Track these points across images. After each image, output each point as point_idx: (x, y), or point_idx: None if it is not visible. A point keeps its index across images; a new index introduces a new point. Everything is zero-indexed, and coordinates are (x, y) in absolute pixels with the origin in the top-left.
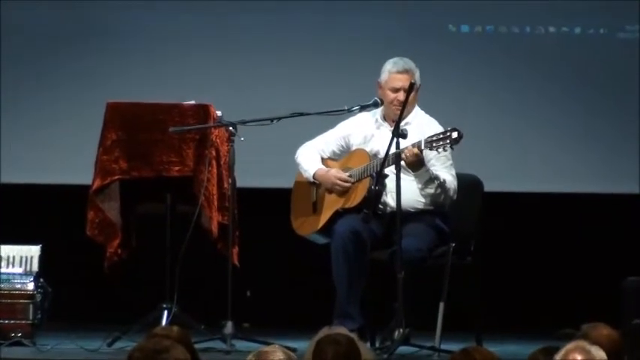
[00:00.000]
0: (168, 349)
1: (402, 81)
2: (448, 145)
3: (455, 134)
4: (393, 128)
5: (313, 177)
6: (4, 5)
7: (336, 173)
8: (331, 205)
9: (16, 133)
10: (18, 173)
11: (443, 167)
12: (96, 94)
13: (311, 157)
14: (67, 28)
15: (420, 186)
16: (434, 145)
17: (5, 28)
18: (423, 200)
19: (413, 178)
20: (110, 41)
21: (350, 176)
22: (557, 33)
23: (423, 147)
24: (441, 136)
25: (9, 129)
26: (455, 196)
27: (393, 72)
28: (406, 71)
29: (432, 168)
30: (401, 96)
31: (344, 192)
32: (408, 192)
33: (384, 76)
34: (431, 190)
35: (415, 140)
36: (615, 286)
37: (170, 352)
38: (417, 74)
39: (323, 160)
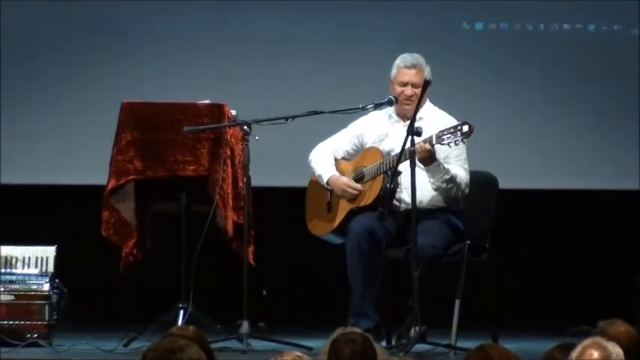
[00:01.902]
0: (182, 349)
1: (409, 76)
2: (460, 139)
3: (466, 127)
4: (406, 125)
5: (327, 183)
6: (6, 4)
7: (346, 181)
8: (346, 204)
9: (31, 133)
10: (33, 174)
11: (456, 161)
12: (110, 94)
13: (324, 162)
14: (79, 27)
15: (431, 180)
16: (445, 139)
17: (14, 27)
18: (437, 195)
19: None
20: (124, 40)
21: (363, 175)
22: (572, 30)
23: (434, 142)
24: (452, 130)
25: (25, 129)
26: (467, 190)
27: (402, 67)
28: (414, 66)
29: (445, 161)
30: (408, 90)
31: (353, 198)
32: (423, 189)
33: (393, 71)
34: (443, 185)
35: (428, 135)
36: (632, 283)
37: (185, 352)
38: (427, 70)
39: (336, 160)
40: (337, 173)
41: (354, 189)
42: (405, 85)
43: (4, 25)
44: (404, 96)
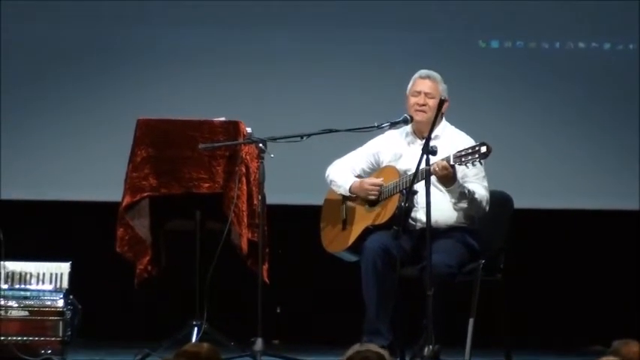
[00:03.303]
0: None
1: (423, 85)
2: (477, 160)
3: (484, 148)
4: (422, 144)
5: (350, 190)
6: (15, 19)
7: (368, 180)
8: (361, 222)
9: (47, 149)
10: (49, 190)
11: (475, 179)
12: (127, 111)
13: (344, 173)
14: (95, 44)
15: (453, 201)
16: (462, 160)
17: (25, 43)
18: (456, 215)
19: (444, 193)
20: (141, 58)
21: (380, 193)
22: (587, 49)
23: (452, 162)
24: (470, 150)
25: (42, 145)
26: (487, 207)
27: (416, 78)
28: (428, 77)
29: (463, 180)
30: (421, 99)
31: (376, 203)
32: (438, 208)
33: (409, 85)
34: (464, 205)
35: (444, 154)
36: None
37: None
38: (443, 87)
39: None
40: (357, 180)
41: (375, 184)
42: (418, 94)
43: (11, 42)
44: (417, 105)
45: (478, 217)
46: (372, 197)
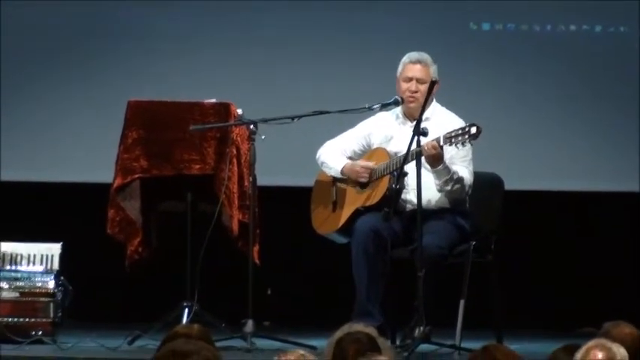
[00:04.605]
0: (199, 351)
1: (414, 71)
2: (467, 141)
3: (474, 129)
4: (413, 126)
5: (341, 172)
6: (8, 4)
7: (359, 162)
8: (351, 203)
9: (37, 130)
10: (39, 171)
11: (461, 162)
12: (117, 93)
13: (335, 155)
14: (86, 27)
15: (437, 182)
16: (453, 140)
17: (16, 25)
18: (443, 196)
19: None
20: (131, 40)
21: (371, 175)
22: (578, 31)
23: (442, 143)
24: (460, 131)
25: (31, 127)
26: (469, 192)
27: (407, 62)
28: (419, 61)
29: (450, 162)
30: (413, 86)
31: (366, 184)
32: (429, 189)
33: (399, 68)
34: (448, 187)
35: (435, 136)
36: (637, 284)
37: (200, 354)
38: (433, 68)
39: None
40: (350, 161)
41: (367, 167)
42: (409, 80)
43: (8, 25)
44: (409, 92)
45: (462, 200)
46: (363, 180)
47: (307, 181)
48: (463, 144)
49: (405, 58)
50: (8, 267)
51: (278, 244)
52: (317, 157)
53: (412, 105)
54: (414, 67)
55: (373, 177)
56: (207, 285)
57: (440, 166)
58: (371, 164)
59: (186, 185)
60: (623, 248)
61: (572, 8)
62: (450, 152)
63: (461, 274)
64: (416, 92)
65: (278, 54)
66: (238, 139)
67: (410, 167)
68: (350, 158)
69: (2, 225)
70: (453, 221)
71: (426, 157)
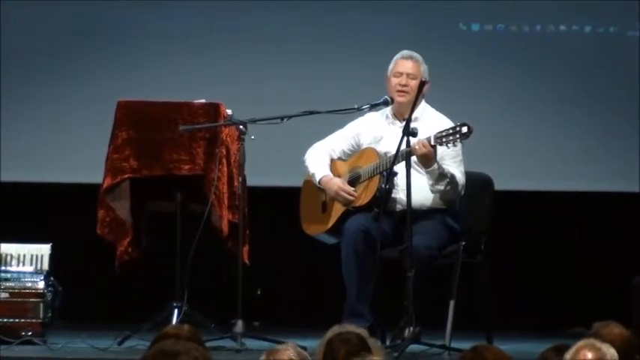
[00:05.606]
0: (188, 351)
1: (405, 66)
2: (458, 140)
3: (465, 129)
4: (402, 126)
5: (319, 183)
6: (5, 3)
7: (340, 184)
8: (341, 204)
9: (25, 130)
10: (28, 171)
11: (452, 162)
12: (106, 94)
13: (319, 161)
14: (77, 27)
15: (430, 182)
16: (444, 140)
17: (13, 26)
18: (434, 197)
19: (423, 175)
20: (121, 40)
21: (359, 175)
22: (568, 32)
23: (432, 142)
24: (451, 131)
25: (19, 126)
26: (462, 192)
27: (398, 58)
28: (410, 57)
29: (441, 162)
30: (403, 79)
31: (347, 203)
32: (418, 189)
33: (390, 66)
34: (441, 187)
35: (424, 136)
36: (627, 285)
37: (189, 354)
38: (424, 67)
39: (332, 160)
40: (330, 174)
41: (348, 193)
42: (400, 75)
43: (3, 24)
44: (399, 86)
45: (454, 200)
46: (338, 201)
47: (297, 182)
48: (454, 143)
49: (397, 55)
50: None
51: (268, 245)
52: (304, 158)
53: (401, 99)
54: (405, 62)
55: (363, 177)
56: (197, 285)
57: (432, 166)
58: (351, 189)
59: (176, 185)
60: (612, 248)
61: (562, 9)
62: (439, 152)
63: (451, 275)
64: (406, 86)
65: (267, 55)
66: (228, 139)
67: (400, 167)
68: (339, 159)
69: None
70: (443, 221)
71: (417, 157)
